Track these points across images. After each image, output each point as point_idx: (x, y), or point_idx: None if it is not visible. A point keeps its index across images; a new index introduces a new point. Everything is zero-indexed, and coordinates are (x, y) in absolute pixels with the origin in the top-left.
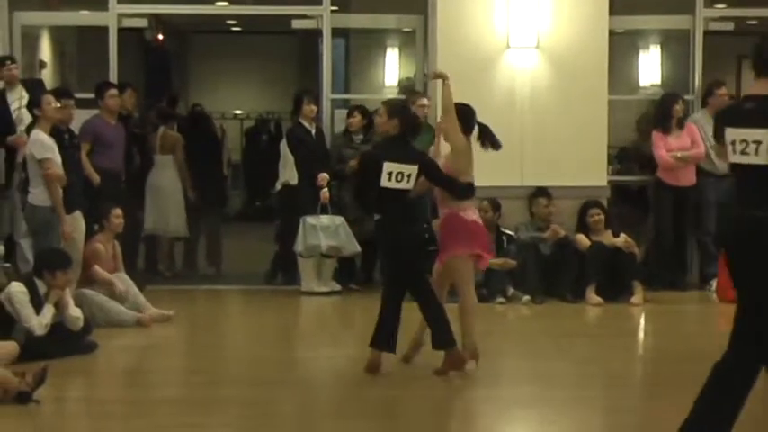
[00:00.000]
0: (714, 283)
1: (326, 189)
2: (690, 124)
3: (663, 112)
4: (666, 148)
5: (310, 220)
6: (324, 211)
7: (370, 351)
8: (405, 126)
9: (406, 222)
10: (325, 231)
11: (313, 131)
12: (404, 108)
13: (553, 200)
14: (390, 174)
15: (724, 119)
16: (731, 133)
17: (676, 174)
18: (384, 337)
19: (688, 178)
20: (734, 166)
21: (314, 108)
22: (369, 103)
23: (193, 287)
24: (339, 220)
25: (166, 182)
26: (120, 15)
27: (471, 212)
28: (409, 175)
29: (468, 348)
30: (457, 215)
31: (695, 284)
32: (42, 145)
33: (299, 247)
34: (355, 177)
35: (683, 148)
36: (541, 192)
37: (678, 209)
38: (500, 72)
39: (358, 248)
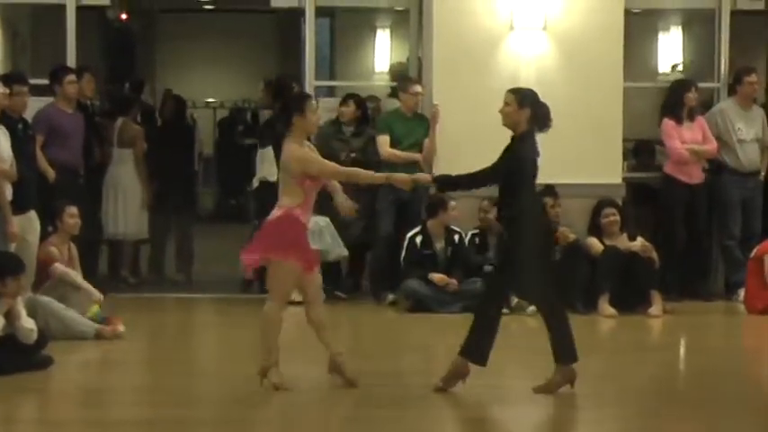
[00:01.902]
0: (741, 293)
1: None
2: (700, 118)
3: (674, 99)
4: (680, 139)
5: None
6: None
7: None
8: (536, 118)
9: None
10: (309, 234)
11: None
12: (535, 96)
13: (559, 199)
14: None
15: None
16: None
17: (689, 169)
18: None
19: (698, 175)
20: None
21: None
22: (356, 90)
23: (161, 295)
24: (324, 221)
25: (126, 178)
26: None
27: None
28: None
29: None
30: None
31: (720, 294)
32: None
33: None
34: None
35: (696, 141)
36: (547, 190)
37: (692, 209)
38: (503, 57)
39: (345, 252)
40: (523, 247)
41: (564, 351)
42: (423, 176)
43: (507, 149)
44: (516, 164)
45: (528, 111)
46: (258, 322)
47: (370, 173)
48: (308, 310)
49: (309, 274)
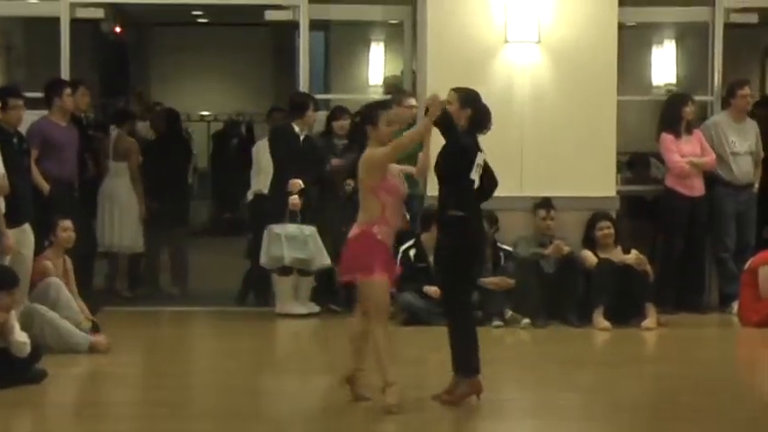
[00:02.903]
0: (735, 305)
1: (296, 196)
2: (696, 131)
3: (671, 113)
4: (679, 152)
5: (275, 228)
6: (293, 219)
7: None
8: (475, 119)
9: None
10: (291, 242)
11: (302, 137)
12: (477, 97)
13: (552, 212)
14: (478, 167)
15: None
16: None
17: (690, 182)
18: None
19: (699, 187)
20: None
21: (317, 117)
22: (349, 103)
23: (156, 308)
24: (309, 230)
25: (121, 191)
26: (74, 5)
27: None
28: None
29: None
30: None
31: (714, 306)
32: None
33: (262, 258)
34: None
35: (695, 154)
36: (543, 202)
37: (692, 221)
38: (497, 69)
39: (328, 261)
40: (448, 248)
41: (465, 363)
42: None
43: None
44: (444, 158)
45: (469, 111)
46: (372, 350)
47: (412, 132)
48: (358, 321)
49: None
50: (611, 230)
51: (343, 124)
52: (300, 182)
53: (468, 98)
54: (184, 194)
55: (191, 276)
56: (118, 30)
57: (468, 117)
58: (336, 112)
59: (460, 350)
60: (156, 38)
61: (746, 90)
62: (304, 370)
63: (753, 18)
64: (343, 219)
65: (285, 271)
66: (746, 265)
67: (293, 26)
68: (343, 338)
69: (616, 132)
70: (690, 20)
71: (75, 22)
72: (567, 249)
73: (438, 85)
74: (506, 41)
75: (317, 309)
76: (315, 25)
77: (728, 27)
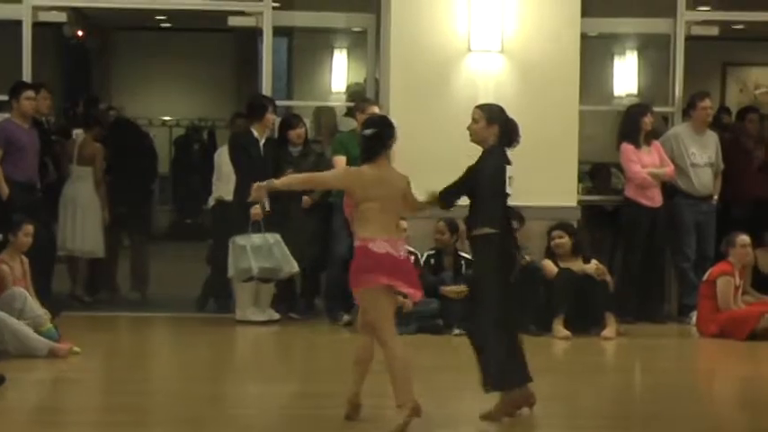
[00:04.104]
0: (694, 316)
1: (258, 206)
2: (655, 142)
3: (631, 124)
4: (640, 163)
5: (239, 240)
6: (256, 229)
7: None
8: (505, 134)
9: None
10: (257, 252)
11: (262, 143)
12: (503, 112)
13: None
14: (510, 179)
15: None
16: None
17: (650, 193)
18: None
19: (659, 198)
20: None
21: (275, 119)
22: (307, 110)
23: (115, 314)
24: (273, 238)
25: (84, 196)
26: (36, 8)
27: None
28: None
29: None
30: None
31: (674, 316)
32: None
33: (230, 271)
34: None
35: (655, 165)
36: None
37: (652, 232)
38: (460, 78)
39: (296, 268)
40: (485, 265)
41: (494, 378)
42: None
43: (473, 165)
44: (479, 177)
45: (496, 127)
46: (386, 366)
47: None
48: (363, 344)
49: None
50: (564, 239)
51: (299, 132)
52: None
53: (494, 114)
54: (146, 200)
55: (151, 282)
56: (80, 33)
57: (496, 134)
58: (292, 120)
59: (503, 365)
60: (119, 42)
61: (707, 102)
62: (263, 377)
63: (713, 31)
64: (308, 224)
65: (255, 277)
66: (705, 276)
67: (256, 32)
68: (302, 345)
69: (578, 142)
70: (651, 31)
71: (37, 25)
72: (528, 259)
73: (401, 93)
74: (469, 50)
75: (276, 316)
76: (278, 32)
77: (689, 39)
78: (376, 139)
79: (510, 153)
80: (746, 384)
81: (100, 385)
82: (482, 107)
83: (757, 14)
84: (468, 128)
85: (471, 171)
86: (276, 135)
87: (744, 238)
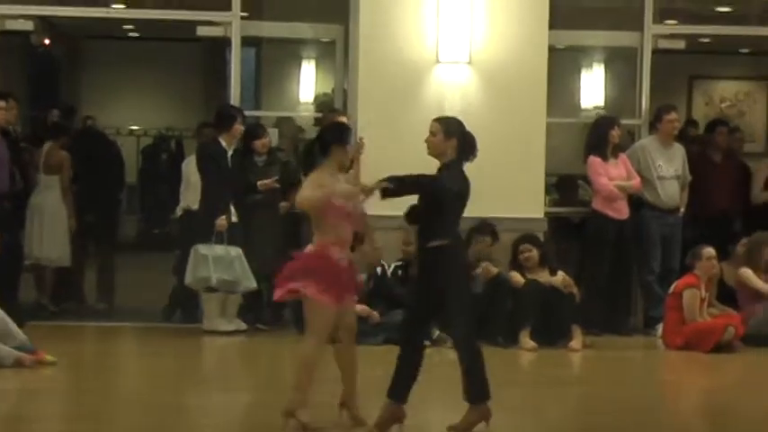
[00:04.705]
0: (660, 328)
1: (224, 217)
2: (622, 155)
3: (598, 136)
4: (607, 175)
5: (202, 249)
6: (219, 240)
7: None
8: (463, 148)
9: None
10: (218, 263)
11: (230, 153)
12: (461, 126)
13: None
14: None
15: None
16: None
17: (618, 205)
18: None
19: (625, 211)
20: None
21: (242, 129)
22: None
23: (82, 324)
24: (235, 251)
25: (51, 204)
26: (3, 17)
27: None
28: None
29: None
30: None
31: (640, 329)
32: None
33: (187, 278)
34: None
35: (622, 177)
36: (486, 228)
37: (618, 244)
38: (428, 89)
39: (254, 284)
40: (451, 279)
41: (477, 390)
42: (375, 185)
43: (432, 177)
44: (443, 193)
45: (455, 140)
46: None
47: (346, 191)
48: (338, 349)
49: (340, 308)
50: (533, 253)
51: (264, 142)
52: (224, 218)
53: (452, 127)
54: (114, 209)
55: (117, 292)
56: (47, 42)
57: (454, 147)
58: (257, 130)
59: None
60: (87, 51)
61: (673, 115)
62: (229, 387)
63: (680, 44)
64: (275, 234)
65: (210, 287)
66: (671, 289)
67: (225, 42)
68: (269, 356)
69: (545, 154)
70: (619, 44)
71: (4, 34)
72: (495, 271)
73: (369, 103)
74: (438, 61)
75: (243, 326)
76: (247, 41)
77: (656, 53)
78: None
79: (476, 165)
80: (710, 396)
81: (65, 395)
82: (440, 120)
83: (723, 28)
84: (426, 141)
85: (430, 184)
86: (240, 145)
87: (709, 251)
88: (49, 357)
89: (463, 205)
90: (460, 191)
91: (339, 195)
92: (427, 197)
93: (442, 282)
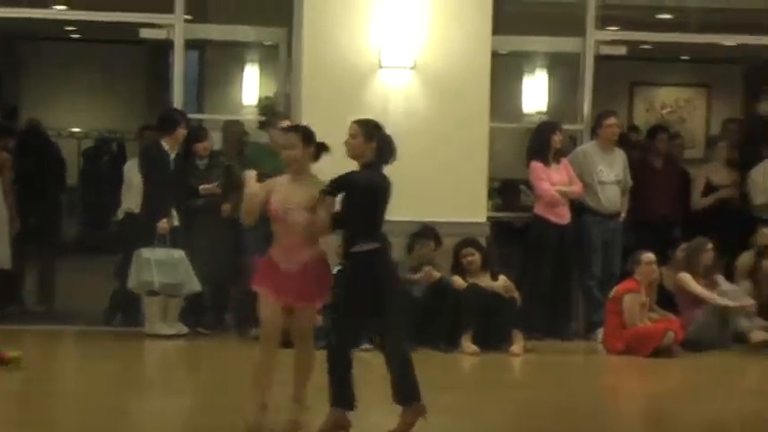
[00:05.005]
0: (600, 333)
1: (165, 220)
2: (564, 160)
3: (540, 141)
4: (549, 180)
5: (145, 252)
6: (162, 243)
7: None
8: (382, 150)
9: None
10: (161, 267)
11: (172, 157)
12: (380, 129)
13: (424, 239)
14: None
15: None
16: None
17: (559, 210)
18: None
19: (567, 216)
20: None
21: (185, 134)
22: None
23: (20, 327)
24: (179, 254)
25: None
26: None
27: None
28: None
29: None
30: None
31: (581, 333)
32: None
33: (131, 281)
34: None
35: (563, 183)
36: (429, 232)
37: (560, 249)
38: (371, 93)
39: (198, 287)
40: (380, 283)
41: (407, 391)
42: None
43: (348, 177)
44: (349, 184)
45: (374, 143)
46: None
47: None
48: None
49: (289, 310)
50: (476, 257)
51: (206, 145)
52: (166, 221)
53: (372, 130)
54: (54, 212)
55: (57, 294)
56: None
57: (373, 149)
58: (199, 133)
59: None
60: (27, 53)
61: (612, 120)
62: (169, 390)
63: (621, 50)
64: (218, 237)
65: (153, 291)
66: (612, 293)
67: (168, 44)
68: (211, 359)
69: (488, 159)
70: (561, 50)
71: None
72: (437, 275)
73: (312, 107)
74: (381, 66)
75: (185, 330)
76: (190, 44)
77: (598, 58)
78: None
79: (418, 169)
80: (650, 401)
81: (4, 399)
82: (359, 122)
83: (664, 35)
84: (346, 143)
85: (344, 176)
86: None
87: (649, 256)
88: (13, 354)
89: (383, 204)
90: (373, 185)
91: (246, 197)
92: (345, 193)
93: (371, 285)
